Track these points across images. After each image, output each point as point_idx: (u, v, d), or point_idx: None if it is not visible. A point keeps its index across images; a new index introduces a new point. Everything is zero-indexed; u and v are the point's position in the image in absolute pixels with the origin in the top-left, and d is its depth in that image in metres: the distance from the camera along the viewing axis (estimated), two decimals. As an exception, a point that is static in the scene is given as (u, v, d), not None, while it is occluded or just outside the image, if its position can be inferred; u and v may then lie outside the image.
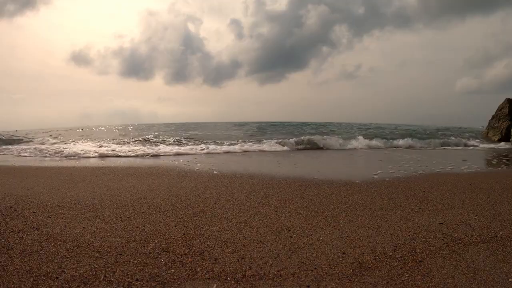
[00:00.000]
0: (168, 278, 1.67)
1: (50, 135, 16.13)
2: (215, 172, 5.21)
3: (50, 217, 2.66)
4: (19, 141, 12.60)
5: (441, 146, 11.87)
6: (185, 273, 1.72)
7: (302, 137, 11.27)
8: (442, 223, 2.57)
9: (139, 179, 4.50)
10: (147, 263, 1.83)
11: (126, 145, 10.90)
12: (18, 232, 2.30)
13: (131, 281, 1.63)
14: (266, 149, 9.81)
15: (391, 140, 12.13)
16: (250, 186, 4.00)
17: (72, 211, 2.86)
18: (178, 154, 8.42)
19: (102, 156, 8.06)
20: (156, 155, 8.17)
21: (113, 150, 8.84)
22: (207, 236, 2.27)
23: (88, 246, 2.07)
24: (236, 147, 9.80)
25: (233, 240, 2.20)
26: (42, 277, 1.66)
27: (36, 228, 2.39)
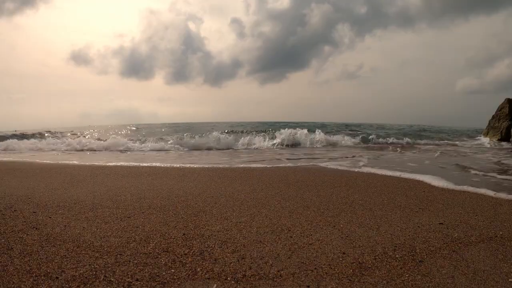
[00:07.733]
0: (168, 278, 1.67)
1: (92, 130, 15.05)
2: (215, 172, 5.21)
3: (50, 217, 2.66)
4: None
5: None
6: (185, 273, 1.72)
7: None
8: (442, 223, 2.57)
9: (139, 179, 4.50)
10: (147, 263, 1.83)
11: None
12: (18, 232, 2.30)
13: (131, 281, 1.63)
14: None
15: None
16: (250, 186, 4.00)
17: (72, 211, 2.86)
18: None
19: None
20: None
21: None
22: (207, 236, 2.27)
23: (88, 246, 2.07)
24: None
25: (233, 240, 2.20)
26: (42, 277, 1.66)
27: (36, 228, 2.39)
